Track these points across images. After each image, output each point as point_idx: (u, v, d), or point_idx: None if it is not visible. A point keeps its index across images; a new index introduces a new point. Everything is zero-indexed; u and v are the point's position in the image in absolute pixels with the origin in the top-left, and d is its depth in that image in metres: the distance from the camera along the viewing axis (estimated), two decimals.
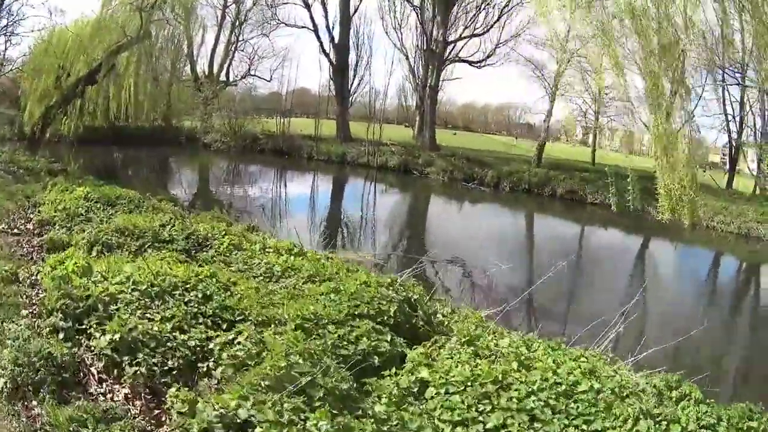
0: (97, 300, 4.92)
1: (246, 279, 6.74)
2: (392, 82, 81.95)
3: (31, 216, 9.44)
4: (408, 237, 17.77)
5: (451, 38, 34.55)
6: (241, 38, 37.33)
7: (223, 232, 8.26)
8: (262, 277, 7.05)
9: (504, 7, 34.24)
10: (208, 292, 5.57)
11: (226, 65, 37.54)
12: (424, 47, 35.75)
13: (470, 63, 38.25)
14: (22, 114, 25.96)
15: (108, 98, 29.64)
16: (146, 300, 5.09)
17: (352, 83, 36.62)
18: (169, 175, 27.96)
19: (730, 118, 29.25)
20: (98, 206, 9.47)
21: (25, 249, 7.54)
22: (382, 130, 31.28)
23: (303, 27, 35.64)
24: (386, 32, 39.76)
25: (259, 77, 38.02)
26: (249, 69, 37.52)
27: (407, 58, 37.46)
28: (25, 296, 5.67)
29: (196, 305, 5.20)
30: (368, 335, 4.94)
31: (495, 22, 34.43)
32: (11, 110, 31.94)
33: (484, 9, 34.57)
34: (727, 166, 31.23)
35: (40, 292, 5.77)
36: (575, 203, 25.17)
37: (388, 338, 5.05)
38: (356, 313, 5.36)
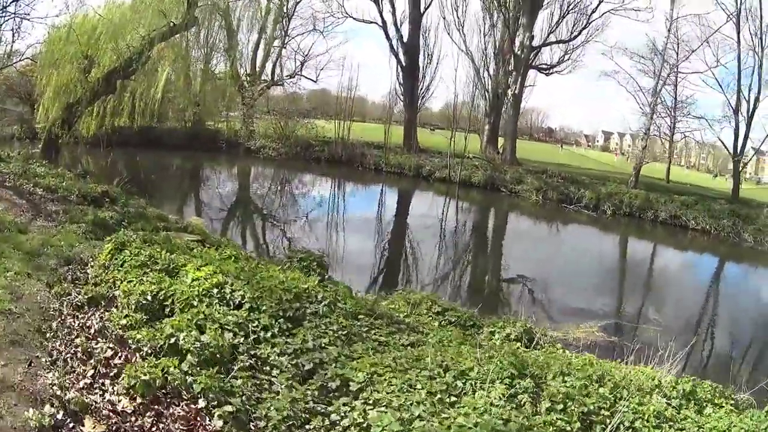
0: None
1: None
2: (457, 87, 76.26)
3: (104, 348, 3.93)
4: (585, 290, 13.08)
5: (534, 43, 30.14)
6: (288, 34, 32.55)
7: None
8: None
9: (592, 13, 30.35)
10: None
11: (271, 63, 32.74)
12: (497, 51, 31.43)
13: (539, 70, 34.27)
14: (35, 112, 21.44)
15: (134, 95, 24.88)
16: None
17: (421, 87, 31.87)
18: (233, 193, 23.08)
19: None
20: (261, 319, 4.44)
21: None
22: (467, 141, 26.50)
23: (372, 22, 31.84)
24: (449, 33, 35.42)
25: (306, 77, 33.25)
26: (301, 68, 32.60)
27: (473, 61, 32.81)
28: None
29: None
30: None
31: (583, 29, 30.56)
32: (20, 107, 27.71)
33: (571, 13, 30.31)
34: None
35: None
36: (677, 228, 23.07)
37: None
38: None
